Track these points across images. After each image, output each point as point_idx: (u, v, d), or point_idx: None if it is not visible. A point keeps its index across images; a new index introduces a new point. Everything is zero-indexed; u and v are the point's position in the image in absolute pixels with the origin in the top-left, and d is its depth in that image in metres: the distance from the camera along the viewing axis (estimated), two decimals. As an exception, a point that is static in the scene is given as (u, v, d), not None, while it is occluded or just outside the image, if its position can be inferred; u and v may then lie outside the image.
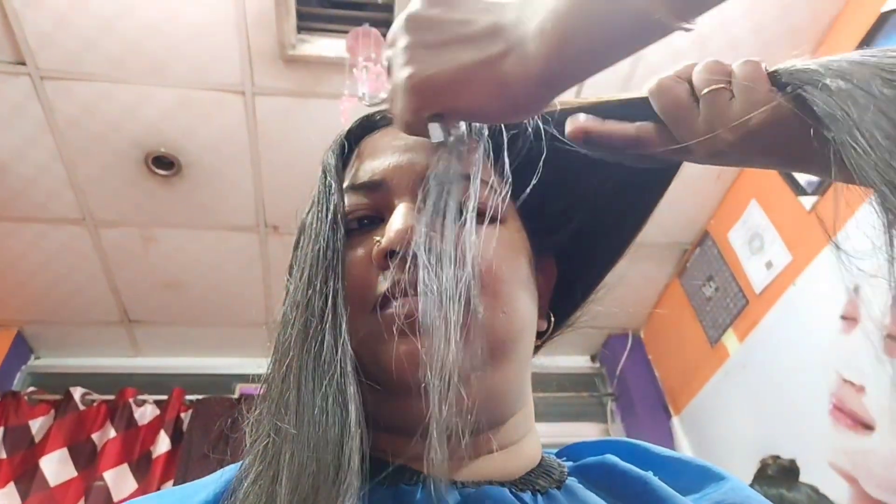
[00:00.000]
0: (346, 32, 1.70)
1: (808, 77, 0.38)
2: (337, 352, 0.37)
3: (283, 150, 1.99)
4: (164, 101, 1.84)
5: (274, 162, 2.02)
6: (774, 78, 0.41)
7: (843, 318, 1.66)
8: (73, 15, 1.64)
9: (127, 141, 1.92)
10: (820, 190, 1.81)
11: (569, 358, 2.77)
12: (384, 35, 1.72)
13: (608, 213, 0.52)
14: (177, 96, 1.84)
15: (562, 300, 0.53)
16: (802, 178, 1.88)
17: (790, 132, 0.39)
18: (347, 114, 1.59)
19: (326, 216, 0.43)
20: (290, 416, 0.36)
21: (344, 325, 0.38)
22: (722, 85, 0.41)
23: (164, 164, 1.99)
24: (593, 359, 2.85)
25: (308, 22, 1.76)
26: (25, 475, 2.12)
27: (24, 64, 1.72)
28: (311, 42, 1.78)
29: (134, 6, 1.65)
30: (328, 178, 0.45)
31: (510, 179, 0.48)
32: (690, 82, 0.43)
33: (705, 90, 0.41)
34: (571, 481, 0.42)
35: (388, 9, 1.73)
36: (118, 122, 1.87)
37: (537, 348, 0.53)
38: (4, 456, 2.15)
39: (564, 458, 0.47)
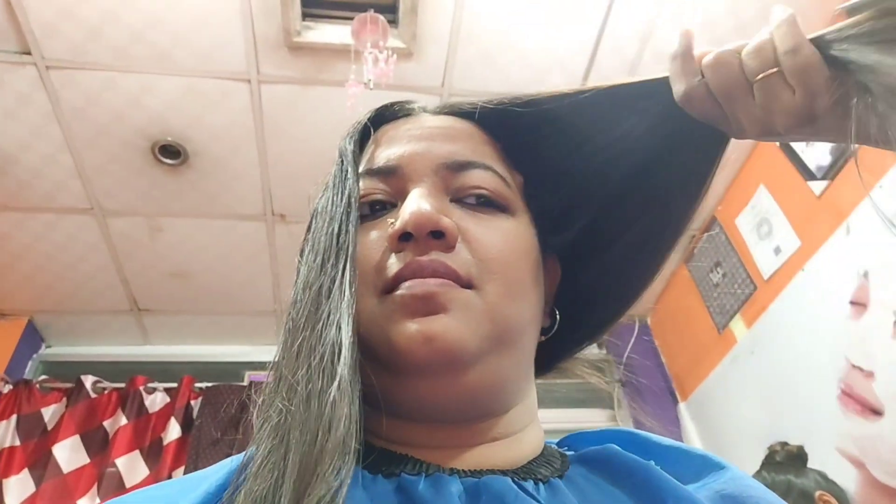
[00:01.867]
0: (350, 19, 1.69)
1: (860, 48, 0.38)
2: (340, 330, 0.38)
3: (289, 137, 1.99)
4: (170, 89, 1.84)
5: (280, 150, 2.02)
6: (822, 48, 0.39)
7: (853, 303, 1.65)
8: (78, 4, 1.64)
9: (133, 130, 1.92)
10: (830, 174, 1.79)
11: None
12: (389, 21, 1.71)
13: (626, 219, 0.52)
14: (182, 85, 1.83)
15: (575, 309, 0.53)
16: (812, 162, 1.87)
17: (849, 110, 0.39)
18: (355, 99, 1.58)
19: (341, 200, 0.43)
20: (299, 395, 0.36)
21: (348, 303, 0.39)
22: (773, 71, 0.40)
23: (170, 153, 1.99)
24: (601, 346, 2.85)
25: (313, 9, 1.75)
26: (39, 462, 2.15)
27: (29, 54, 1.72)
28: (316, 29, 1.77)
29: (138, -6, 1.64)
30: (345, 163, 0.45)
31: (523, 172, 0.48)
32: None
33: (759, 76, 0.40)
34: (573, 470, 0.43)
35: (393, -6, 1.72)
36: (124, 111, 1.87)
37: (555, 353, 0.53)
38: (18, 443, 2.17)
39: (566, 448, 0.47)
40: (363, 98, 1.54)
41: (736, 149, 0.45)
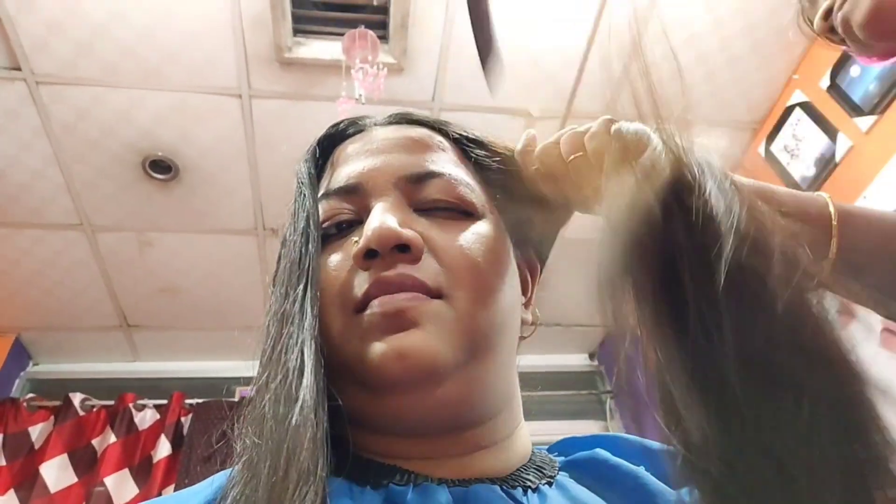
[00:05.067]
0: (341, 35, 1.70)
1: None
2: (302, 353, 0.38)
3: (280, 152, 1.99)
4: (160, 104, 1.84)
5: (271, 164, 2.02)
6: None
7: (839, 313, 1.66)
8: (68, 20, 1.64)
9: (123, 145, 1.92)
10: (821, 179, 1.83)
11: (568, 356, 2.77)
12: (380, 37, 1.73)
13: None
14: (173, 100, 1.84)
15: None
16: (796, 174, 1.89)
17: None
18: (346, 115, 1.59)
19: (301, 225, 0.43)
20: (268, 425, 0.36)
21: (310, 325, 0.39)
22: (580, 154, 0.47)
23: (161, 167, 1.98)
24: (592, 357, 2.86)
25: (304, 24, 1.76)
26: (26, 482, 2.12)
27: (18, 69, 1.72)
28: (306, 44, 1.78)
29: (128, 11, 1.65)
30: (302, 187, 0.46)
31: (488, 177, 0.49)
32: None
33: (570, 158, 0.47)
34: (562, 477, 0.43)
35: (384, 11, 1.73)
36: (114, 126, 1.87)
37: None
38: (4, 463, 2.14)
39: (556, 454, 0.47)
40: (354, 113, 1.55)
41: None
